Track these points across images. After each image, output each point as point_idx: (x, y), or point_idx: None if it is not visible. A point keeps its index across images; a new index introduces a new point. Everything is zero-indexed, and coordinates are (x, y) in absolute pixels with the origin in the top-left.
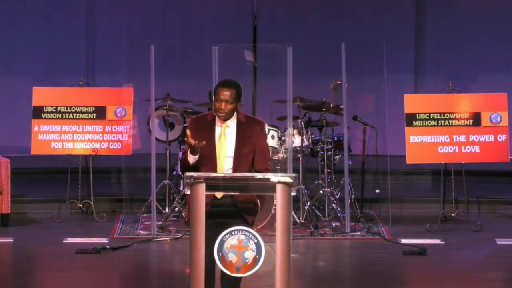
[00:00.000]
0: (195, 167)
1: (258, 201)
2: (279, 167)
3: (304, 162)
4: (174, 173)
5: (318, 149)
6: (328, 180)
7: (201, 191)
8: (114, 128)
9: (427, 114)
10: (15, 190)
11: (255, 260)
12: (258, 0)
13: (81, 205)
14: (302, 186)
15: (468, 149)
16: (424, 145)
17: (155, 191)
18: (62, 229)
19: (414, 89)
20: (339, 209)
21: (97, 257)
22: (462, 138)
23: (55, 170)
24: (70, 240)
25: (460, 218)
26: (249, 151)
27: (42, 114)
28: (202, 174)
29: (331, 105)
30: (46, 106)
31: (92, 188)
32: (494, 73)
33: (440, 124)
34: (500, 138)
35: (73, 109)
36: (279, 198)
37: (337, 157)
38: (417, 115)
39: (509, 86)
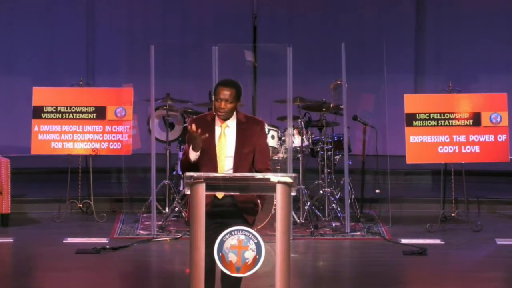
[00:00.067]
0: (196, 167)
1: (258, 201)
2: (279, 167)
3: (304, 162)
4: (174, 173)
5: (318, 149)
6: (328, 180)
7: (201, 191)
8: (114, 128)
9: (427, 114)
10: (15, 190)
11: (255, 260)
12: (258, 0)
13: (81, 205)
14: (302, 186)
15: (468, 149)
16: (424, 145)
17: (155, 191)
18: (62, 229)
19: (414, 89)
20: (339, 209)
21: (97, 257)
22: (462, 138)
23: (55, 170)
24: (70, 240)
25: (460, 218)
26: (249, 151)
27: (42, 114)
28: (202, 174)
29: (331, 105)
30: (46, 106)
31: (92, 188)
32: (494, 73)
33: (440, 124)
34: (500, 138)
35: (73, 109)
36: (279, 198)
37: (337, 157)
38: (417, 115)
39: (509, 86)
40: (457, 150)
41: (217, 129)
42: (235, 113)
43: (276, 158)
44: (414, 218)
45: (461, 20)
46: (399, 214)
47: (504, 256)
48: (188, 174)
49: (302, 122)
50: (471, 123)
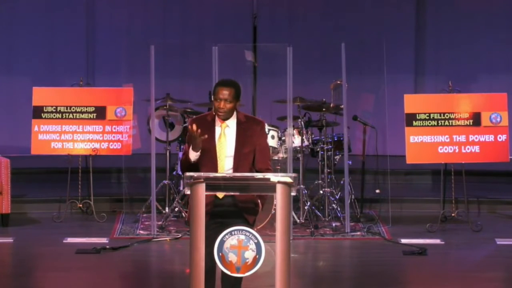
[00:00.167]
0: (196, 167)
1: (259, 201)
2: (279, 167)
3: (304, 162)
4: (174, 173)
5: (318, 149)
6: (328, 180)
7: (201, 191)
8: (114, 128)
9: (427, 114)
10: (15, 190)
11: (255, 260)
12: (258, 0)
13: (81, 205)
14: (302, 186)
15: (468, 149)
16: (424, 145)
17: (155, 191)
18: (62, 229)
19: (414, 89)
20: (339, 209)
21: (97, 257)
22: (462, 138)
23: (55, 170)
24: (70, 240)
25: (460, 218)
26: (249, 150)
27: (42, 114)
28: (202, 174)
29: (331, 105)
30: (46, 106)
31: (92, 188)
32: (494, 73)
33: (440, 124)
34: (500, 138)
35: (73, 109)
36: (279, 198)
37: (337, 157)
38: (417, 115)
39: (509, 86)
40: (457, 150)
41: (217, 129)
42: (235, 113)
43: (276, 158)
44: (414, 218)
45: (461, 20)
46: (399, 214)
47: (504, 256)
48: (188, 174)
49: (302, 122)
50: (471, 123)
